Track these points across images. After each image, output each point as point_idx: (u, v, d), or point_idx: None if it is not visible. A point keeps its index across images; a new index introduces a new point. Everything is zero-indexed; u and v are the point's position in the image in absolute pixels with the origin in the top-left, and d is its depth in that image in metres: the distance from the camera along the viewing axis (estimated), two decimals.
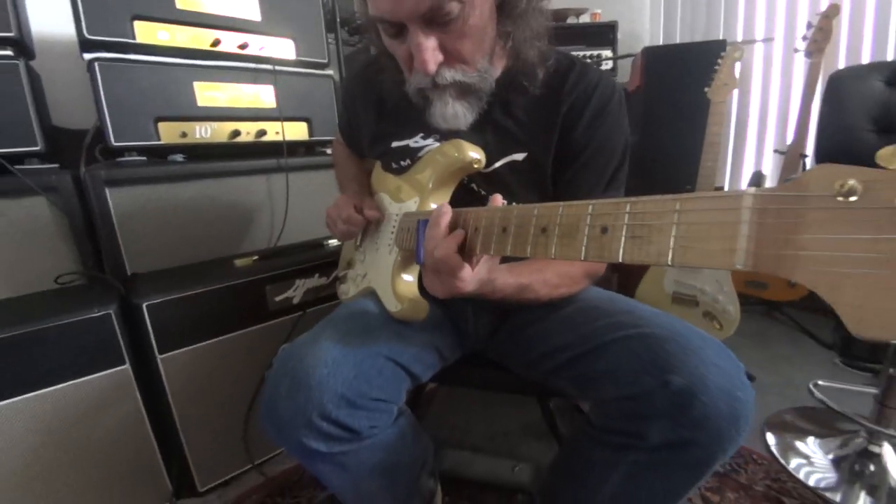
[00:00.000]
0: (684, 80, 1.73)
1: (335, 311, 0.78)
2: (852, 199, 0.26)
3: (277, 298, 1.09)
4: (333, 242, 1.23)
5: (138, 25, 1.04)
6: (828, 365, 1.55)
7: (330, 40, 1.43)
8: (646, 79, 1.86)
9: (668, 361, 0.55)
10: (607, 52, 2.03)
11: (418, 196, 0.74)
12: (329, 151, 1.39)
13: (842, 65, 1.76)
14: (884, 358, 1.06)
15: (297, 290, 1.12)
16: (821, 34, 1.53)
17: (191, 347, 0.97)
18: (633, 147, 1.89)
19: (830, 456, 1.11)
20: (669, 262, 0.33)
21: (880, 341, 0.25)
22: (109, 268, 1.05)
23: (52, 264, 0.98)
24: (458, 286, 0.56)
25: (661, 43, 2.36)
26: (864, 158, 0.26)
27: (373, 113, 0.86)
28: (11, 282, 0.95)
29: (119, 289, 0.96)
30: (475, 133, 0.73)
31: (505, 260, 0.62)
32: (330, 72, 1.38)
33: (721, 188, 1.91)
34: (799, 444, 1.16)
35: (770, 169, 2.03)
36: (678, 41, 2.28)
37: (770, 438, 1.18)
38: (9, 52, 0.94)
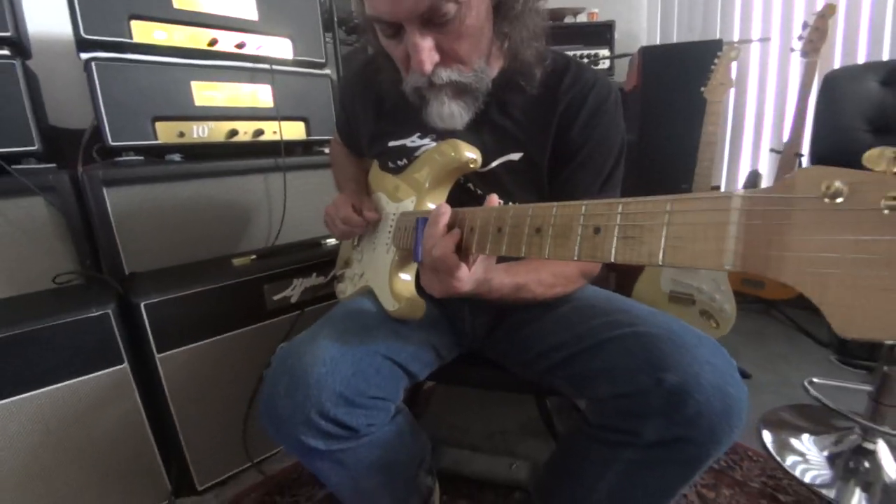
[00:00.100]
0: (681, 79, 1.74)
1: (333, 309, 0.78)
2: (838, 200, 0.26)
3: (275, 297, 1.09)
4: (331, 242, 1.24)
5: (135, 25, 1.03)
6: (824, 363, 1.56)
7: (327, 40, 1.43)
8: (643, 78, 1.86)
9: (662, 360, 0.55)
10: (604, 52, 2.03)
11: (415, 195, 0.74)
12: (327, 151, 1.39)
13: (838, 64, 1.77)
14: (879, 356, 1.07)
15: (295, 290, 1.12)
16: (817, 34, 1.53)
17: (189, 346, 0.98)
18: (630, 146, 1.89)
19: (825, 453, 1.12)
20: (660, 263, 0.33)
21: (864, 340, 0.26)
22: (107, 267, 1.05)
23: (50, 264, 0.99)
24: (455, 286, 0.56)
25: (657, 42, 2.37)
26: (859, 158, 0.27)
27: (371, 112, 0.86)
28: (9, 281, 0.95)
29: (117, 288, 0.96)
30: (472, 133, 0.73)
31: (501, 260, 0.63)
32: (327, 71, 1.38)
33: (717, 187, 1.92)
34: (794, 442, 1.16)
35: (766, 168, 2.04)
36: (675, 41, 2.29)
37: (766, 436, 1.19)
38: (5, 52, 0.94)
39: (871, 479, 1.03)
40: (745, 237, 0.29)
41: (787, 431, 1.21)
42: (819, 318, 0.27)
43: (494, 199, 0.56)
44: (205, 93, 1.14)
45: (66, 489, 0.88)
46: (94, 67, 0.99)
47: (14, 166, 0.94)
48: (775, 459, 1.12)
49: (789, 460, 1.10)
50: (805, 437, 1.18)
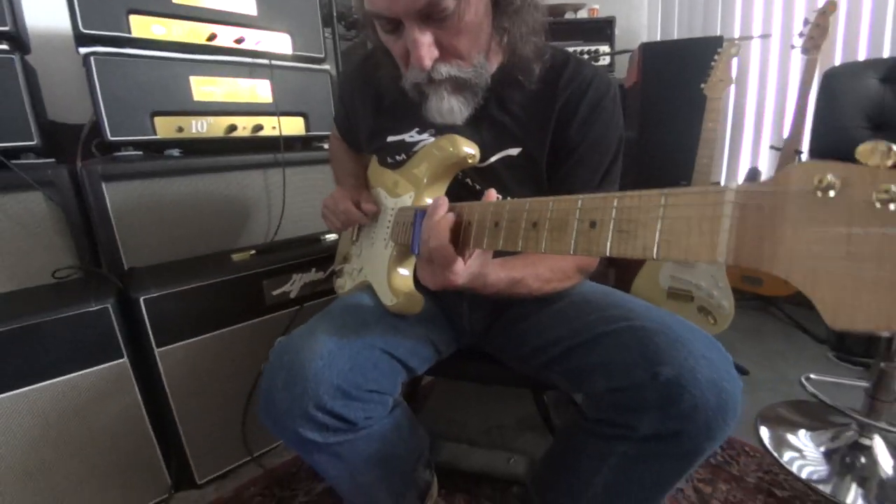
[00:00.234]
0: (681, 76, 1.73)
1: (331, 304, 0.78)
2: (831, 194, 0.26)
3: (274, 293, 1.09)
4: (330, 237, 1.24)
5: (134, 20, 1.03)
6: (821, 359, 1.56)
7: (327, 35, 1.43)
8: (643, 75, 1.86)
9: (657, 354, 0.56)
10: (605, 48, 2.03)
11: (414, 191, 0.74)
12: (326, 147, 1.39)
13: (838, 61, 1.77)
14: (876, 352, 1.08)
15: (294, 285, 1.12)
16: (817, 31, 1.53)
17: (188, 341, 0.98)
18: (630, 143, 1.89)
19: (822, 448, 1.12)
20: (655, 256, 0.33)
21: (856, 332, 0.26)
22: (106, 262, 1.05)
23: (49, 259, 0.99)
24: (451, 279, 0.57)
25: (658, 39, 2.36)
26: None
27: (370, 108, 0.86)
28: (9, 276, 0.96)
29: (116, 283, 0.96)
30: (470, 128, 0.73)
31: (498, 254, 0.63)
32: (327, 67, 1.38)
33: (717, 184, 1.92)
34: (791, 438, 1.17)
35: (766, 165, 2.04)
36: (676, 37, 2.28)
37: (763, 432, 1.20)
38: (4, 47, 0.94)
39: (867, 475, 1.04)
40: (739, 230, 0.29)
41: (784, 427, 1.21)
42: (817, 315, 0.27)
43: (492, 195, 0.56)
44: (204, 88, 1.14)
45: (66, 483, 0.89)
46: (92, 62, 0.99)
47: (13, 161, 0.94)
48: (772, 455, 1.12)
49: (786, 456, 1.11)
50: (802, 432, 1.18)
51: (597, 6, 2.19)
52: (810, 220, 0.27)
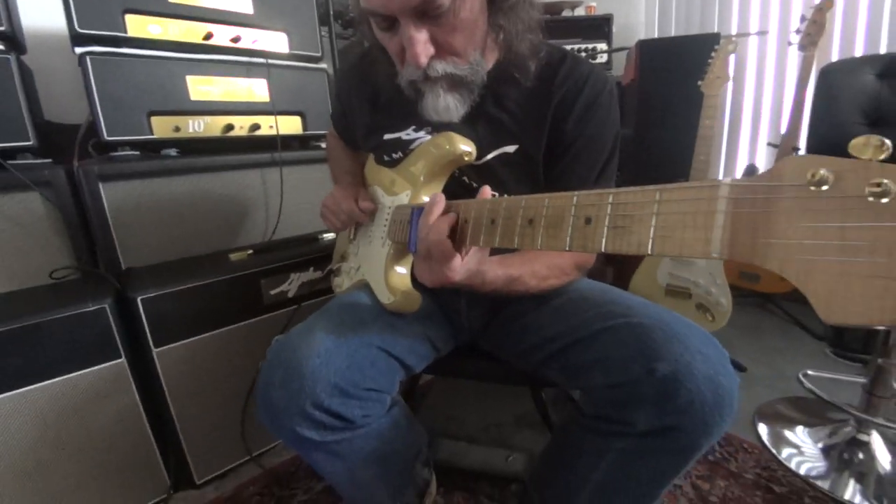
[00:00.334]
0: (678, 73, 1.74)
1: (329, 303, 0.78)
2: (824, 188, 0.27)
3: (272, 292, 1.09)
4: (328, 236, 1.24)
5: (130, 19, 1.03)
6: (819, 356, 1.57)
7: (323, 34, 1.43)
8: (640, 72, 1.86)
9: (654, 349, 0.56)
10: (602, 46, 2.03)
11: (411, 189, 0.74)
12: (323, 145, 1.39)
13: (835, 58, 1.77)
14: (873, 348, 1.08)
15: (292, 284, 1.12)
16: (814, 27, 1.53)
17: (186, 341, 0.98)
18: (627, 140, 1.88)
19: (820, 445, 1.13)
20: (650, 252, 0.33)
21: (849, 326, 0.26)
22: (104, 262, 1.05)
23: (47, 259, 0.99)
24: (448, 275, 0.57)
25: (655, 36, 2.36)
26: None
27: (367, 105, 0.86)
28: (6, 277, 0.95)
29: (113, 283, 0.96)
30: (467, 125, 0.73)
31: (495, 252, 0.63)
32: (324, 65, 1.38)
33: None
34: (789, 434, 1.17)
35: (764, 162, 2.04)
36: (673, 34, 2.28)
37: (761, 428, 1.20)
38: (0, 47, 0.94)
39: (865, 471, 1.04)
40: (732, 225, 0.29)
41: (781, 423, 1.21)
42: (815, 312, 0.27)
43: (487, 192, 0.56)
44: (200, 87, 1.14)
45: (65, 483, 0.89)
46: (88, 62, 0.99)
47: (9, 161, 0.94)
48: (770, 451, 1.12)
49: (784, 452, 1.11)
50: (800, 429, 1.18)
51: (594, 4, 2.20)
52: (803, 214, 0.27)
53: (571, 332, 0.68)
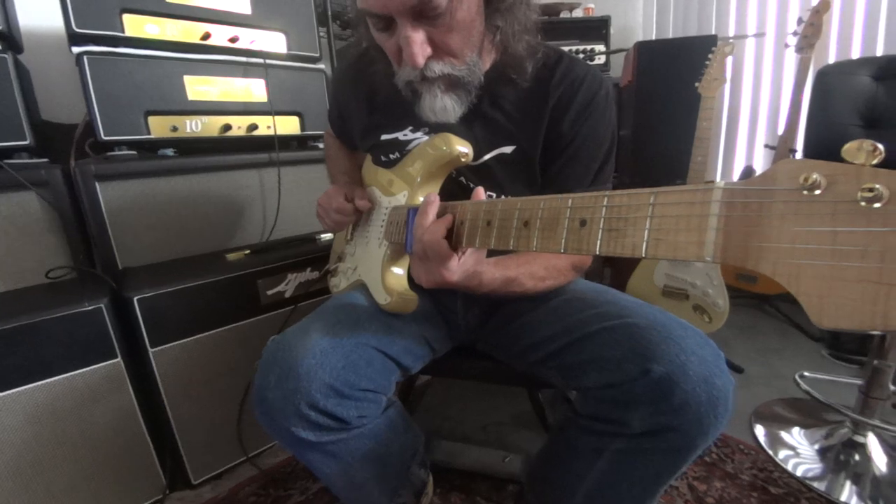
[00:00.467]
0: (676, 75, 1.74)
1: (325, 303, 0.78)
2: (816, 192, 0.27)
3: (269, 292, 1.09)
4: (325, 237, 1.24)
5: (127, 19, 1.03)
6: (815, 357, 1.57)
7: (321, 34, 1.43)
8: (637, 74, 1.86)
9: (649, 350, 0.56)
10: (600, 47, 2.03)
11: (408, 189, 0.74)
12: (321, 146, 1.39)
13: (832, 60, 1.77)
14: (869, 350, 1.08)
15: (289, 284, 1.12)
16: (811, 30, 1.53)
17: (183, 341, 0.98)
18: (625, 142, 1.88)
19: (816, 446, 1.13)
20: (644, 255, 0.33)
21: (840, 331, 0.26)
22: (100, 262, 1.05)
23: (43, 259, 0.98)
24: (444, 275, 0.57)
25: (653, 38, 2.36)
26: None
27: (364, 106, 0.86)
28: (2, 276, 0.95)
29: (110, 283, 0.96)
30: (464, 126, 0.73)
31: (492, 253, 0.63)
32: (322, 66, 1.38)
33: (710, 183, 1.92)
34: (785, 435, 1.17)
35: (760, 164, 2.04)
36: (670, 36, 2.29)
37: (758, 429, 1.20)
38: None
39: (861, 472, 1.04)
40: (726, 228, 0.29)
41: (778, 425, 1.22)
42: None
43: (480, 193, 0.57)
44: (198, 87, 1.14)
45: (60, 483, 0.88)
46: (85, 61, 0.99)
47: (6, 161, 0.94)
48: (767, 452, 1.13)
49: (781, 453, 1.11)
50: (796, 430, 1.19)
51: (592, 5, 2.20)
52: (796, 218, 0.27)
53: (567, 332, 0.68)
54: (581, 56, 2.00)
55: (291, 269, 1.12)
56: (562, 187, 0.73)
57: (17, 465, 0.84)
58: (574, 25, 2.10)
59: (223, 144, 1.23)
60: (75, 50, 1.00)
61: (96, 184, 1.01)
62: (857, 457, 1.07)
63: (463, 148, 0.68)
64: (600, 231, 0.37)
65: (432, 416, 1.29)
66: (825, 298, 0.26)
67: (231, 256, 1.09)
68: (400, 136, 0.79)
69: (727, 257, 0.29)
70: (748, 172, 1.79)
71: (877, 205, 0.24)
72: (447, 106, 0.69)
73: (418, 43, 0.62)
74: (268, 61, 1.23)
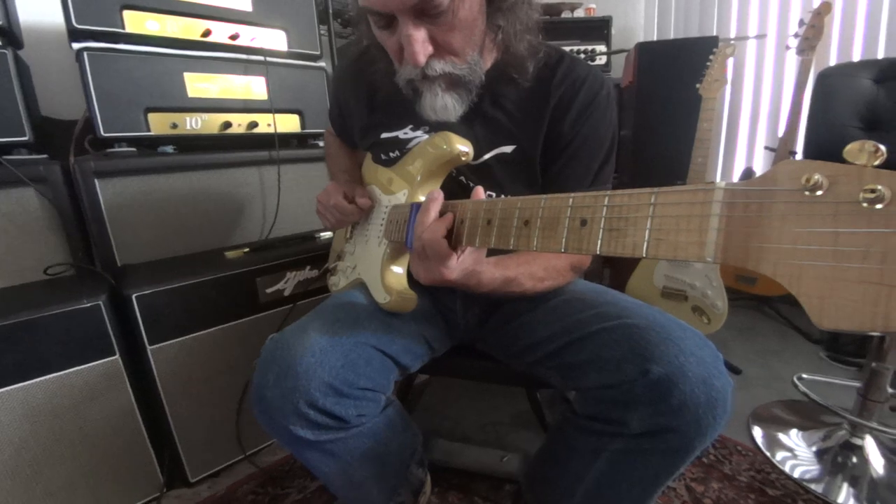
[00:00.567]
0: (677, 76, 1.74)
1: (324, 302, 0.78)
2: (818, 193, 0.27)
3: (268, 290, 1.09)
4: (325, 235, 1.24)
5: (128, 15, 1.03)
6: (814, 359, 1.57)
7: (322, 32, 1.42)
8: (638, 74, 1.86)
9: (648, 350, 0.56)
10: (601, 47, 2.03)
11: (408, 188, 0.74)
12: (321, 144, 1.39)
13: (833, 62, 1.77)
14: (868, 352, 1.08)
15: (288, 283, 1.12)
16: (812, 32, 1.53)
17: (181, 339, 0.98)
18: (625, 142, 1.88)
19: (814, 448, 1.13)
20: (644, 255, 0.33)
21: (841, 332, 0.26)
22: (99, 259, 1.05)
23: (42, 255, 0.98)
24: (444, 273, 0.57)
25: (654, 38, 2.36)
26: None
27: (364, 104, 0.86)
28: (0, 273, 0.95)
29: (109, 280, 0.96)
30: (464, 125, 0.73)
31: (491, 253, 0.63)
32: (322, 64, 1.37)
33: (711, 183, 1.92)
34: (783, 437, 1.17)
35: (761, 165, 2.04)
36: (672, 37, 2.29)
37: (756, 431, 1.20)
38: None
39: (858, 474, 1.04)
40: (727, 229, 0.29)
41: (776, 426, 1.22)
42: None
43: (480, 192, 0.56)
44: (198, 84, 1.14)
45: (58, 480, 0.88)
46: (86, 57, 0.99)
47: (5, 157, 0.94)
48: (764, 454, 1.13)
49: (778, 455, 1.11)
50: (794, 432, 1.19)
51: (593, 6, 2.19)
52: (798, 219, 0.27)
53: (566, 332, 0.68)
54: (582, 56, 2.00)
55: (291, 268, 1.12)
56: (562, 187, 0.73)
57: (14, 463, 0.83)
58: (575, 25, 2.10)
59: (223, 142, 1.23)
60: (75, 46, 1.00)
61: (95, 180, 1.01)
62: (854, 459, 1.07)
63: (463, 147, 0.67)
64: (601, 231, 0.37)
65: (431, 416, 1.29)
66: (826, 299, 0.26)
67: (230, 254, 1.09)
68: (400, 134, 0.79)
69: (728, 258, 0.29)
70: (748, 174, 1.80)
71: (879, 206, 0.24)
72: (448, 105, 0.69)
73: (420, 41, 0.61)
74: (268, 59, 1.23)
